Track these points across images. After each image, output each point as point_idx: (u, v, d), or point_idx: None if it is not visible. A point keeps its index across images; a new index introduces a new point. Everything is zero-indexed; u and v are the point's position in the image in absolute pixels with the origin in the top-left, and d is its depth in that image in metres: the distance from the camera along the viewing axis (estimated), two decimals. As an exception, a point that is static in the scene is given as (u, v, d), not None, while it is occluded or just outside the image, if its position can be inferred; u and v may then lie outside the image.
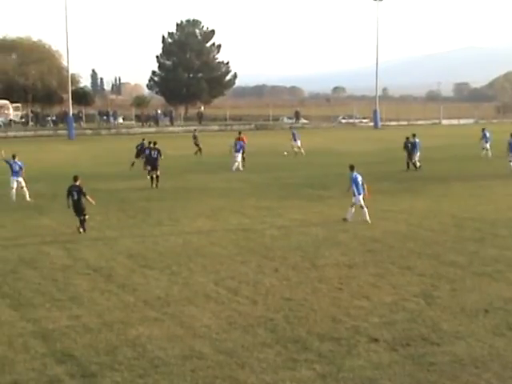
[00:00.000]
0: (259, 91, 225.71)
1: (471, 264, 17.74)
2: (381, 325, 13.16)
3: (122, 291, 15.55)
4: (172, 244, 20.36)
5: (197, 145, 48.34)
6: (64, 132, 73.29)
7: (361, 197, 23.36)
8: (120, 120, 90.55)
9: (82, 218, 21.93)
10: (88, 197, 22.05)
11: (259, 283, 16.12)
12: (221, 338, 12.49)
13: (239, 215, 25.13)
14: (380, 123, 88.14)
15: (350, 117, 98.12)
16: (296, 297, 15.03)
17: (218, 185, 33.50)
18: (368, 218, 23.17)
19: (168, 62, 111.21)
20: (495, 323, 13.24)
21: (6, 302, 14.76)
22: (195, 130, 53.99)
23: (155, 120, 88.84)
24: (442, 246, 19.80)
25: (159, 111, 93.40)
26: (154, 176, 32.21)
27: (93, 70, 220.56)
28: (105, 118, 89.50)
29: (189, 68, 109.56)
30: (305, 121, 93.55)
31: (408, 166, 38.39)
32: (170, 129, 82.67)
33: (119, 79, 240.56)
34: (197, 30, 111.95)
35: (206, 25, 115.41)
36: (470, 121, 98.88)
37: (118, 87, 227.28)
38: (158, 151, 32.81)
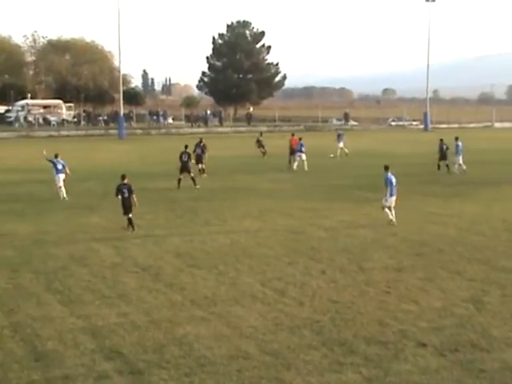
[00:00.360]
0: (308, 92, 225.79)
1: (522, 270, 17.43)
2: (429, 329, 13.01)
3: (169, 290, 15.68)
4: (219, 244, 20.45)
5: (262, 146, 46.91)
6: (115, 131, 74.13)
7: (393, 198, 23.14)
8: (170, 120, 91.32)
9: (130, 216, 22.22)
10: (134, 196, 22.36)
11: (306, 285, 16.09)
12: (267, 339, 12.50)
13: (287, 216, 25.13)
14: (430, 126, 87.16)
15: (400, 119, 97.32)
16: (343, 299, 14.96)
17: (266, 185, 33.54)
18: (392, 218, 23.03)
19: (218, 63, 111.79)
20: (547, 331, 12.98)
21: (57, 298, 15.02)
22: (261, 133, 50.49)
23: (204, 120, 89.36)
24: (492, 251, 19.48)
25: (208, 112, 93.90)
26: (183, 178, 31.92)
27: (144, 71, 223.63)
28: (155, 118, 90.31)
29: (238, 69, 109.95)
30: (354, 123, 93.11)
31: (439, 168, 38.43)
32: (219, 129, 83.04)
33: (169, 80, 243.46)
34: (247, 31, 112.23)
35: (256, 26, 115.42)
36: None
37: (168, 87, 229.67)
38: (189, 155, 32.73)
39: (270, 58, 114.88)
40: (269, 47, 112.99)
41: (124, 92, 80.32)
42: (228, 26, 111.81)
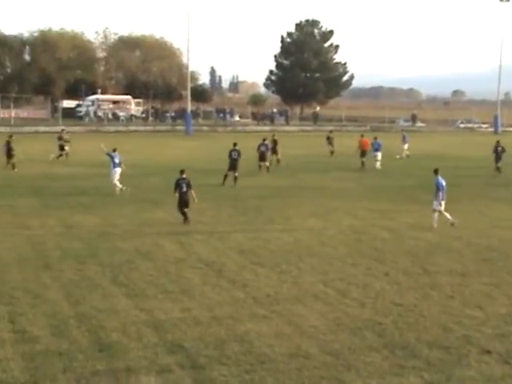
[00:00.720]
0: (375, 93, 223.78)
1: None
2: (494, 336, 12.77)
3: (232, 287, 15.80)
4: (283, 242, 20.49)
5: (331, 144, 48.14)
6: (182, 128, 74.78)
7: (443, 202, 22.77)
8: (236, 118, 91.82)
9: (185, 210, 22.46)
10: (192, 191, 22.59)
11: (368, 286, 15.99)
12: (328, 339, 12.48)
13: (351, 216, 25.00)
14: (500, 128, 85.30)
15: (469, 121, 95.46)
16: (406, 302, 14.81)
17: (331, 185, 33.43)
18: (435, 224, 22.67)
19: (286, 62, 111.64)
20: None
21: (122, 291, 15.30)
22: (331, 131, 51.38)
23: (271, 119, 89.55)
24: (562, 259, 18.97)
25: (275, 110, 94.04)
26: (232, 176, 32.09)
27: (212, 68, 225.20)
28: (221, 115, 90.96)
29: (306, 68, 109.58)
30: (421, 124, 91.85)
31: (497, 169, 38.83)
32: (286, 128, 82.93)
33: (237, 77, 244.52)
34: (315, 30, 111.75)
35: (325, 25, 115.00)
36: None
37: (235, 85, 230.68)
38: (239, 152, 32.81)
39: (338, 58, 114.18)
40: (337, 46, 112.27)
41: (192, 89, 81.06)
42: (297, 24, 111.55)
